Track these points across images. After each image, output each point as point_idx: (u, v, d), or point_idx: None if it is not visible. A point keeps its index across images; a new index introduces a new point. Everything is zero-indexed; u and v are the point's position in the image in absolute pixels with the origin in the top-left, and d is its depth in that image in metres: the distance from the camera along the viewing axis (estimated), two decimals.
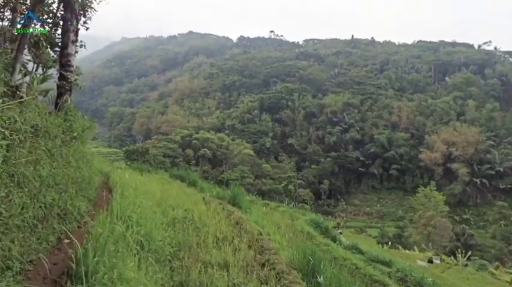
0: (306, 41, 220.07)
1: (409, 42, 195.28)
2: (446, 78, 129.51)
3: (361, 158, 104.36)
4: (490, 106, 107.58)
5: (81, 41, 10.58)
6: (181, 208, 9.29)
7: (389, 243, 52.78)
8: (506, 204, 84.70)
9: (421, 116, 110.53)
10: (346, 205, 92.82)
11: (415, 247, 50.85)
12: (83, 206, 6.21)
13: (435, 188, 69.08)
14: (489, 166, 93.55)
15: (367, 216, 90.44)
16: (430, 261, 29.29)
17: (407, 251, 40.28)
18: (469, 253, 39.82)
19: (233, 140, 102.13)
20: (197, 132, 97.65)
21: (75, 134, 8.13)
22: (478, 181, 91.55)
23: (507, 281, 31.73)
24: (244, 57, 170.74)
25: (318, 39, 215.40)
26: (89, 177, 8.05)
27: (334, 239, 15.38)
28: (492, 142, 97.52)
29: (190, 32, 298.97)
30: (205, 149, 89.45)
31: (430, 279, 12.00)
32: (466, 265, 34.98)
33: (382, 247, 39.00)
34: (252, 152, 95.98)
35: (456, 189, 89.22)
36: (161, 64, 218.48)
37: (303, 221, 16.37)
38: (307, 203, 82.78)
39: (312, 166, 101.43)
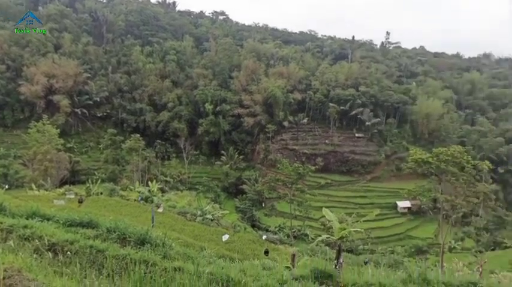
0: None
1: None
2: (40, 8, 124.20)
3: None
4: (85, 40, 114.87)
5: None
6: None
7: (7, 186, 49.90)
8: (116, 131, 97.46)
9: (16, 47, 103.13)
10: None
11: (33, 185, 50.35)
12: None
13: (48, 122, 70.11)
14: (87, 96, 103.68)
15: None
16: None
17: (36, 192, 40.92)
18: (99, 180, 45.93)
19: None
20: None
21: None
22: (78, 111, 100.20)
23: (134, 199, 39.44)
24: None
25: None
26: None
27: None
28: (89, 75, 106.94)
29: None
30: None
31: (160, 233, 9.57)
32: (101, 193, 40.89)
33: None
34: None
35: (59, 120, 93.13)
36: None
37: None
38: None
39: None
